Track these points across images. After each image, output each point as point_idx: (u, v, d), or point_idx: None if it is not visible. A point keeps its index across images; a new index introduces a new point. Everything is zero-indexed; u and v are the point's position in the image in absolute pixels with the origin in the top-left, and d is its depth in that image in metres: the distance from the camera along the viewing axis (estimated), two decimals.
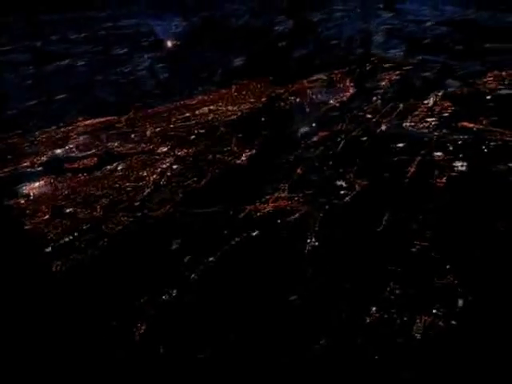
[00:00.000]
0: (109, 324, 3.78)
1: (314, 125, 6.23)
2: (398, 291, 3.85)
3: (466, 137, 6.06)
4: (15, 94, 7.61)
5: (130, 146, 6.68)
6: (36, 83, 8.21)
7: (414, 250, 4.26)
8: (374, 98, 7.37)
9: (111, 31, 11.39)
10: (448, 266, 3.98)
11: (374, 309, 3.72)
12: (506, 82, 7.68)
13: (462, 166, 5.32)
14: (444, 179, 5.14)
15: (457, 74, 8.25)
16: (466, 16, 12.14)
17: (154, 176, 6.04)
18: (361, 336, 3.50)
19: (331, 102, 7.09)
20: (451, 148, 5.78)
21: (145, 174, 6.09)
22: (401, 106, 6.96)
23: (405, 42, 10.20)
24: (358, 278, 4.05)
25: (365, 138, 6.27)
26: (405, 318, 3.60)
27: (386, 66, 8.83)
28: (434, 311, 3.62)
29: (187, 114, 7.09)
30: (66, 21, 12.15)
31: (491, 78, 7.89)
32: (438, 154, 5.69)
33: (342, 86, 7.63)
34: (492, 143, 5.80)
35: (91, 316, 3.88)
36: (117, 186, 5.81)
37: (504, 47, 9.72)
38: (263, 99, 7.21)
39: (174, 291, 4.08)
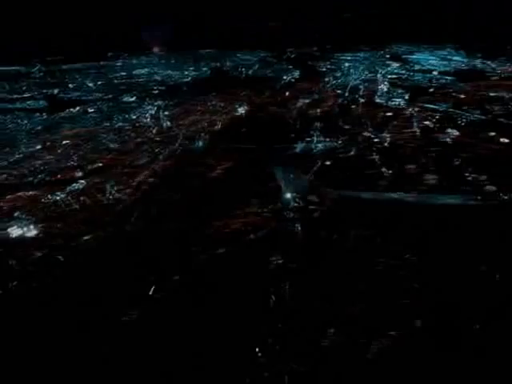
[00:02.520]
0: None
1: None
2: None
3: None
4: (19, 141, 7.92)
5: (109, 157, 7.04)
6: (44, 129, 8.55)
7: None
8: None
9: (124, 80, 11.92)
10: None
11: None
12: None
13: None
14: None
15: (456, 122, 8.25)
16: (472, 66, 12.26)
17: (129, 190, 6.20)
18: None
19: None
20: None
21: (120, 187, 6.26)
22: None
23: (409, 91, 10.30)
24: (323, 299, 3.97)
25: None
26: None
27: (387, 114, 8.90)
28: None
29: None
30: (84, 70, 12.84)
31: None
32: None
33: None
34: None
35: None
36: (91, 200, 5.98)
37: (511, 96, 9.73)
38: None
39: (135, 312, 4.00)
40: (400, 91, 10.27)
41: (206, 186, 6.33)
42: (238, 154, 7.20)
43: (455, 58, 13.05)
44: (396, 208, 5.62)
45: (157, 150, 7.49)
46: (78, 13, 15.74)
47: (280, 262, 4.55)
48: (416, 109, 9.13)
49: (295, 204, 5.49)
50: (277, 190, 5.91)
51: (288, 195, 5.68)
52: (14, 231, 5.59)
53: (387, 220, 5.34)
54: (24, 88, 11.42)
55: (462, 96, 9.87)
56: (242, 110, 9.34)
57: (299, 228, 5.11)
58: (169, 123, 8.74)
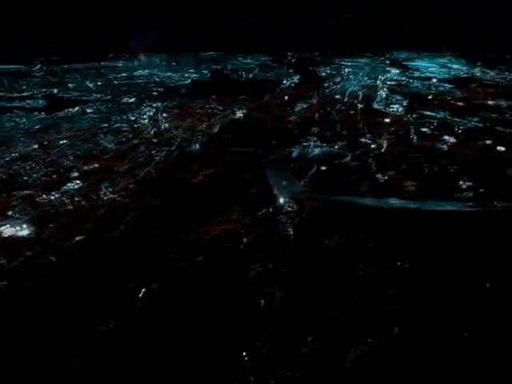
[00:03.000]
0: None
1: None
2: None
3: None
4: (17, 139, 7.94)
5: (105, 158, 7.15)
6: (42, 129, 8.56)
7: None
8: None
9: (124, 81, 11.94)
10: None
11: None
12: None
13: None
14: None
15: (453, 129, 8.27)
16: (472, 74, 12.29)
17: (123, 192, 6.23)
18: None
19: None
20: None
21: (114, 189, 6.30)
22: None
23: (408, 98, 10.32)
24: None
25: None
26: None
27: (385, 120, 8.91)
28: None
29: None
30: (85, 70, 12.86)
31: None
32: None
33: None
34: None
35: None
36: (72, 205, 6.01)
37: (509, 104, 9.76)
38: None
39: (112, 322, 4.00)
40: (399, 98, 10.29)
41: (194, 191, 6.34)
42: (232, 156, 7.24)
43: (455, 65, 13.08)
44: (393, 213, 5.67)
45: (153, 152, 7.50)
46: (81, 13, 15.77)
47: (261, 269, 4.59)
48: (414, 115, 9.15)
49: (287, 209, 5.51)
50: (263, 196, 5.99)
51: (281, 200, 5.70)
52: (6, 230, 5.60)
53: (379, 225, 5.38)
54: (24, 87, 11.44)
55: (460, 104, 9.89)
56: (240, 114, 9.36)
57: (284, 233, 5.18)
58: (167, 125, 8.76)
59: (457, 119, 8.84)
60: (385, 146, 7.65)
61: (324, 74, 12.40)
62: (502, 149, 7.47)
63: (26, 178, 6.79)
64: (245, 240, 5.03)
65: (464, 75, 12.23)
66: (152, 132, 8.40)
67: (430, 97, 10.41)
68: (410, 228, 5.29)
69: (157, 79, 12.07)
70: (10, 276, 4.68)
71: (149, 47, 14.44)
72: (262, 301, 4.15)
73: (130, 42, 14.43)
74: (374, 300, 4.14)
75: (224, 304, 4.22)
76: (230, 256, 4.90)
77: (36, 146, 7.86)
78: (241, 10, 16.43)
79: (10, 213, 5.94)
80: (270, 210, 5.60)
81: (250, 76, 12.17)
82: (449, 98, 10.32)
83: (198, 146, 7.75)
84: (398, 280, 4.41)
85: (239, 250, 4.94)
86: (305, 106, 9.83)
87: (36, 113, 9.53)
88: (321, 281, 4.43)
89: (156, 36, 14.41)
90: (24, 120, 9.10)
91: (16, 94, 10.83)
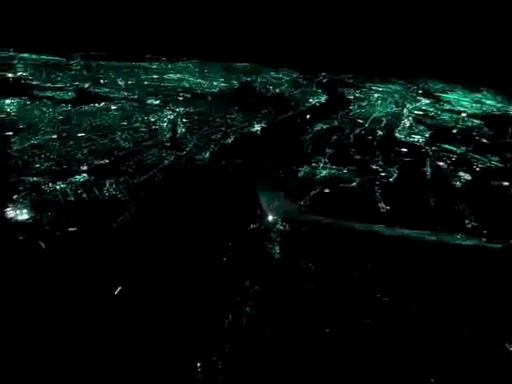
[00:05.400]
0: None
1: None
2: None
3: None
4: (39, 128, 8.23)
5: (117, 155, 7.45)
6: (65, 120, 8.85)
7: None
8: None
9: (154, 82, 12.22)
10: None
11: None
12: None
13: None
14: None
15: (471, 166, 8.05)
16: (505, 111, 11.95)
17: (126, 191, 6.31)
18: None
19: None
20: None
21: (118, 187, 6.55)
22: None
23: (431, 129, 10.13)
24: None
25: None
26: None
27: (402, 150, 8.77)
28: None
29: None
30: (119, 68, 13.24)
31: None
32: None
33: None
34: None
35: None
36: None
37: None
38: None
39: None
40: (422, 128, 10.11)
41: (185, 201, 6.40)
42: (235, 169, 7.27)
43: (489, 101, 12.75)
44: (380, 239, 5.56)
45: (163, 155, 7.63)
46: (125, 13, 16.31)
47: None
48: (433, 148, 8.97)
49: (275, 227, 5.49)
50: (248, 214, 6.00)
51: (269, 219, 5.69)
52: (8, 213, 5.81)
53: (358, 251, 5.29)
54: (58, 78, 11.87)
55: (485, 141, 9.62)
56: (258, 127, 9.41)
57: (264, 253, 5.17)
58: (183, 130, 8.90)
59: (477, 156, 8.61)
60: (394, 175, 7.52)
61: (352, 97, 12.33)
62: None
63: (37, 166, 7.03)
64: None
65: (496, 112, 11.90)
66: (167, 135, 8.53)
67: (454, 130, 10.19)
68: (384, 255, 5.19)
69: (186, 84, 12.29)
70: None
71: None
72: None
73: None
74: None
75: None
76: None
77: (55, 136, 8.13)
78: (281, 26, 16.61)
79: (15, 197, 6.16)
80: (253, 227, 5.59)
81: (277, 91, 12.21)
82: (474, 133, 10.07)
83: (207, 154, 7.82)
84: None
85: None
86: (324, 126, 9.79)
87: (63, 104, 9.87)
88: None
89: None
90: (50, 110, 9.43)
91: (49, 85, 11.25)
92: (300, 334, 3.99)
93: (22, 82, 11.48)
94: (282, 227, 5.46)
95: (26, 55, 13.71)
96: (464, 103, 12.42)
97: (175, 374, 3.61)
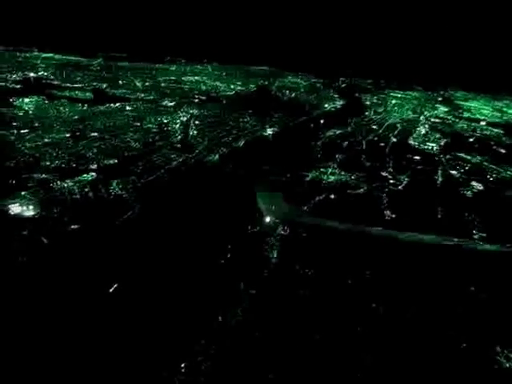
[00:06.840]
0: None
1: None
2: None
3: None
4: (53, 126, 8.40)
5: (126, 155, 7.11)
6: (80, 119, 9.01)
7: None
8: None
9: (171, 84, 12.36)
10: None
11: None
12: None
13: None
14: None
15: (485, 176, 7.84)
16: None
17: (132, 191, 6.20)
18: None
19: None
20: None
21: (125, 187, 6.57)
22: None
23: (447, 137, 9.95)
24: None
25: None
26: None
27: (414, 157, 8.63)
28: None
29: None
30: (138, 69, 13.44)
31: None
32: None
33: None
34: None
35: None
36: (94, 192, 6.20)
37: None
38: None
39: None
40: (437, 136, 9.94)
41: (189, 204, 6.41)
42: (242, 172, 7.26)
43: (510, 110, 12.44)
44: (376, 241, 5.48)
45: (172, 157, 7.68)
46: (146, 15, 16.54)
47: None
48: (447, 156, 8.78)
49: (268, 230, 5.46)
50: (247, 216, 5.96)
51: (267, 220, 5.64)
52: (14, 209, 5.93)
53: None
54: (78, 78, 12.13)
55: (502, 151, 9.38)
56: (270, 132, 9.39)
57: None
58: (195, 132, 8.95)
59: (492, 166, 8.40)
60: (404, 183, 7.39)
61: (368, 103, 12.23)
62: None
63: (47, 163, 7.17)
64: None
65: None
66: (179, 137, 8.59)
67: (471, 139, 9.97)
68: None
69: (202, 87, 12.38)
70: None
71: None
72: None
73: None
74: None
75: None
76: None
77: (68, 135, 8.29)
78: (301, 31, 16.59)
79: (23, 193, 6.29)
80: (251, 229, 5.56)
81: (293, 95, 12.18)
82: (492, 143, 9.84)
83: (216, 157, 7.84)
84: None
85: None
86: (337, 132, 9.72)
87: (79, 104, 10.07)
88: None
89: None
90: (67, 109, 9.64)
91: (68, 84, 11.50)
92: (288, 338, 3.94)
93: (43, 81, 11.77)
94: (281, 230, 5.43)
95: (49, 55, 14.06)
96: (484, 111, 12.16)
97: (157, 373, 3.60)
